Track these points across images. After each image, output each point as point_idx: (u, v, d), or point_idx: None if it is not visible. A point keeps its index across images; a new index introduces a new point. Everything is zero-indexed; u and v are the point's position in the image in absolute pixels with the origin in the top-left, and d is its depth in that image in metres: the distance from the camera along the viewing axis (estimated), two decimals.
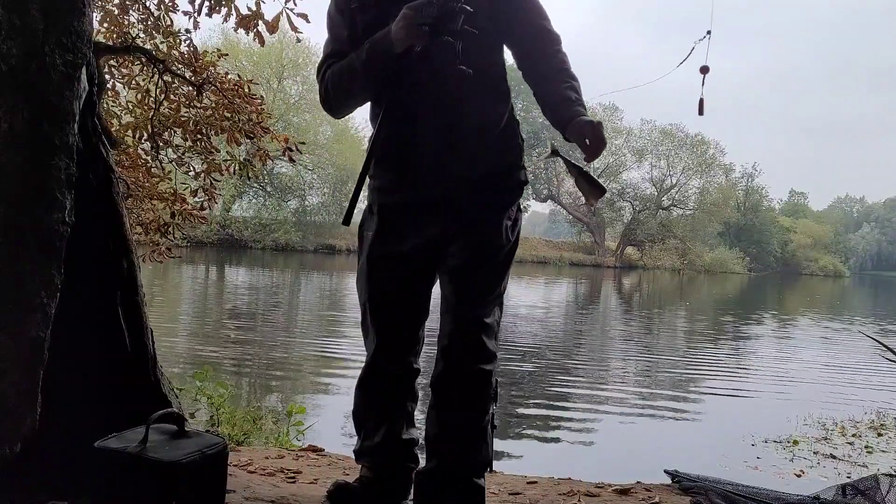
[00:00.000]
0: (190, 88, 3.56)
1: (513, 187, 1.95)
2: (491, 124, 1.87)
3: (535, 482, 2.52)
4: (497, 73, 1.90)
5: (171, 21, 3.52)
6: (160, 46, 3.53)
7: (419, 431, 2.05)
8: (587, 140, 1.73)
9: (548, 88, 1.86)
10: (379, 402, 2.03)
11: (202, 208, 3.96)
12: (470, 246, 1.88)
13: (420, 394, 2.09)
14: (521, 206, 2.01)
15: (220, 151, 3.84)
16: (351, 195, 1.80)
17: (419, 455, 2.05)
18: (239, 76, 3.73)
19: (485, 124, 1.85)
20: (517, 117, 2.00)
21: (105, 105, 3.47)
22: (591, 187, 1.81)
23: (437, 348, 1.96)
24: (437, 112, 1.81)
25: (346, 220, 1.83)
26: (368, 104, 1.97)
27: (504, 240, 1.92)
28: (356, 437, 2.09)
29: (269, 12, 3.17)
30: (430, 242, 1.90)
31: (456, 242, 1.88)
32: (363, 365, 2.04)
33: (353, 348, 8.14)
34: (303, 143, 4.08)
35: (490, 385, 1.93)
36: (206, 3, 3.22)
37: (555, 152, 1.89)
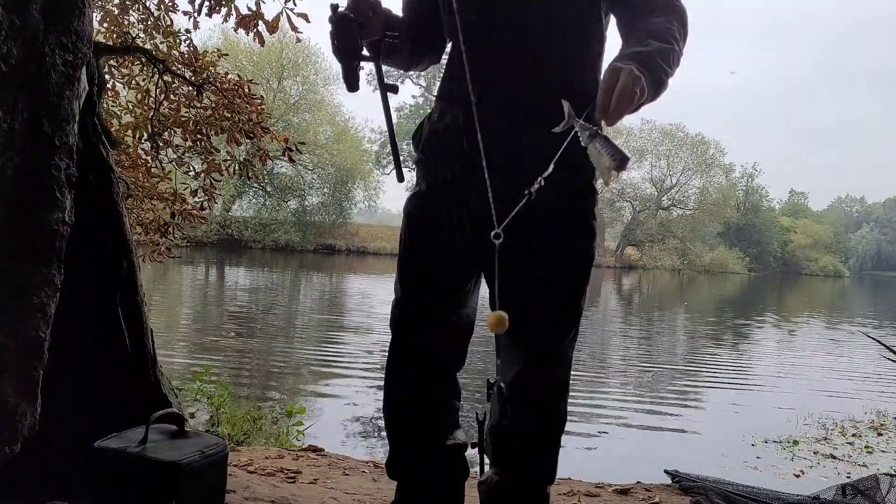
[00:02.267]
0: (190, 88, 3.56)
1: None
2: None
3: None
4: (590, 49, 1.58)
5: (171, 21, 3.52)
6: (160, 46, 3.53)
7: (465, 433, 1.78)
8: (604, 89, 1.24)
9: (626, 37, 1.48)
10: (413, 392, 1.70)
11: (202, 208, 3.96)
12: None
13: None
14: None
15: (220, 151, 3.84)
16: (392, 151, 1.64)
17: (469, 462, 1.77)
18: (239, 76, 3.73)
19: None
20: None
21: (105, 105, 3.47)
22: (603, 159, 1.25)
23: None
24: (501, 92, 1.52)
25: (400, 177, 1.64)
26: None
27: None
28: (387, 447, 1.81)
29: (269, 12, 3.17)
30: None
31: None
32: (389, 346, 1.75)
33: (353, 349, 8.14)
34: (303, 143, 4.08)
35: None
36: (206, 3, 3.22)
37: (571, 117, 1.35)
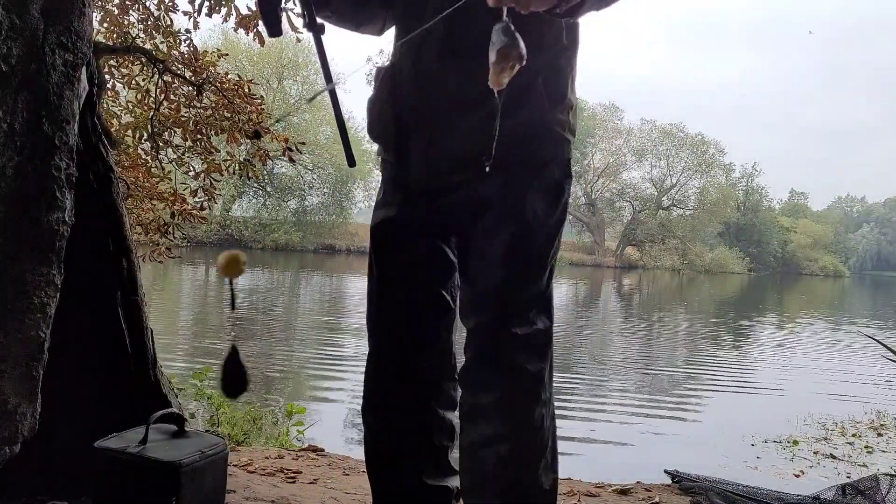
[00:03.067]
0: (190, 88, 3.56)
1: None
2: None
3: None
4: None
5: (171, 21, 3.52)
6: (160, 46, 3.53)
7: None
8: None
9: None
10: (390, 425, 1.53)
11: (202, 208, 3.96)
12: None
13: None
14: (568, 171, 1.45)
15: (220, 151, 3.84)
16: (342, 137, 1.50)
17: None
18: (239, 76, 3.73)
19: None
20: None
21: (105, 105, 3.47)
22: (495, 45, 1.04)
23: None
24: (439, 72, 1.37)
25: (351, 162, 1.50)
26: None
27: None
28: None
29: None
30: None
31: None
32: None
33: (353, 349, 8.14)
34: (303, 143, 4.08)
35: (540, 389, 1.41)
36: (206, 3, 3.22)
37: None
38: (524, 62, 1.03)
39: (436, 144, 1.37)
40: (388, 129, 1.45)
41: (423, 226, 1.46)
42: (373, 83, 1.52)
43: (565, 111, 1.40)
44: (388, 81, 1.44)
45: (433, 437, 1.50)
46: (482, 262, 1.40)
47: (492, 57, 1.03)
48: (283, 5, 1.41)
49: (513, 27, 1.04)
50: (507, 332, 1.35)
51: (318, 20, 1.40)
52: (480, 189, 1.37)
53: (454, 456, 1.50)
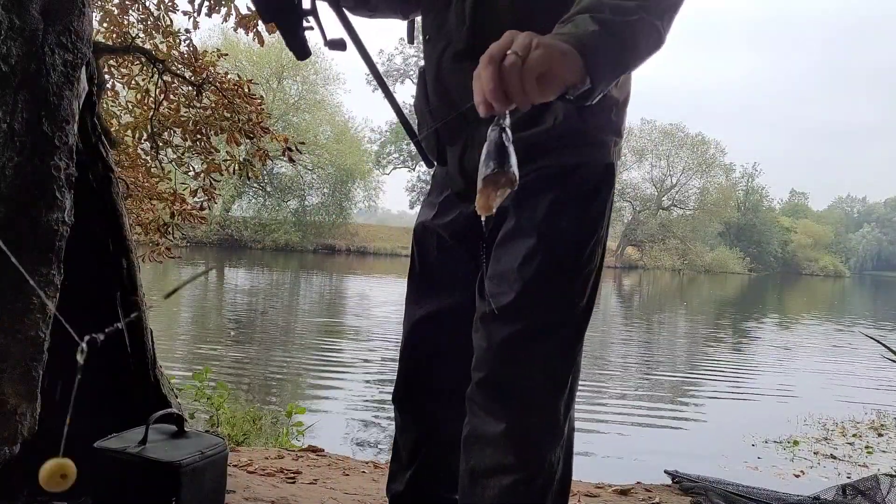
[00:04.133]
0: (190, 88, 3.56)
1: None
2: None
3: None
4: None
5: (171, 21, 3.52)
6: (160, 46, 3.53)
7: None
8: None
9: None
10: (408, 422, 1.51)
11: (202, 208, 3.96)
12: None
13: None
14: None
15: (219, 151, 3.84)
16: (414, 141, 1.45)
17: None
18: (239, 76, 3.73)
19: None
20: None
21: (105, 105, 3.47)
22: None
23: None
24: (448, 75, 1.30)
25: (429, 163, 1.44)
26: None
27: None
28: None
29: None
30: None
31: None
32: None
33: (353, 349, 8.14)
34: (303, 143, 4.08)
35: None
36: (206, 3, 3.22)
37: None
38: (516, 186, 0.89)
39: (470, 154, 1.28)
40: (428, 134, 1.39)
41: (456, 232, 1.41)
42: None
43: (605, 111, 1.24)
44: (420, 85, 1.41)
45: (448, 455, 1.39)
46: (496, 277, 1.26)
47: (479, 183, 0.88)
48: (304, 25, 1.31)
49: (505, 141, 0.88)
50: (521, 355, 1.21)
51: (338, 36, 1.35)
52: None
53: None
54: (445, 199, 1.44)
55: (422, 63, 1.43)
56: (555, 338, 1.23)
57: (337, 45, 1.34)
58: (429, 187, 1.55)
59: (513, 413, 1.21)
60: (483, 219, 0.91)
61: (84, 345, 0.74)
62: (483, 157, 0.88)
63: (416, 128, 1.45)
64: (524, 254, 1.22)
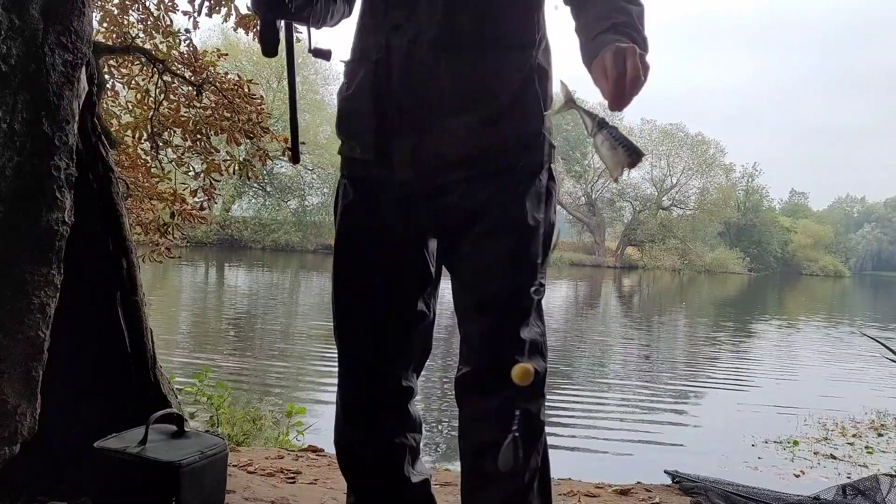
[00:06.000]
0: (190, 88, 3.56)
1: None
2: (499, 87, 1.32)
3: None
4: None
5: (171, 21, 3.52)
6: (160, 46, 3.53)
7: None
8: (607, 76, 1.13)
9: (582, 10, 1.31)
10: (373, 436, 1.51)
11: (202, 208, 3.96)
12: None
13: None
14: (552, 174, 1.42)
15: (219, 151, 3.84)
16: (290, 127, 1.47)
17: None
18: (239, 76, 3.73)
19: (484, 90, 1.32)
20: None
21: (105, 105, 3.47)
22: (615, 151, 1.14)
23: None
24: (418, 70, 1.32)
25: (295, 158, 1.47)
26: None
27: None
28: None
29: None
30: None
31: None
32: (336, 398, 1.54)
33: None
34: (303, 143, 4.07)
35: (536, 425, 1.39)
36: (206, 3, 3.22)
37: (570, 101, 1.25)
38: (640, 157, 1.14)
39: (426, 145, 1.33)
40: (366, 128, 1.39)
41: (399, 232, 1.42)
42: (343, 79, 1.46)
43: (550, 116, 1.38)
44: (369, 78, 1.37)
45: (412, 438, 1.52)
46: (482, 269, 1.36)
47: (623, 164, 1.13)
48: (280, 25, 1.34)
49: (614, 133, 1.15)
50: (512, 337, 1.32)
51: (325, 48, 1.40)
52: (474, 194, 1.34)
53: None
54: (379, 200, 1.42)
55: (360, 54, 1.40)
56: (534, 319, 1.36)
57: (322, 54, 1.40)
58: (343, 193, 1.50)
59: (509, 385, 1.27)
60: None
61: None
62: (620, 146, 1.13)
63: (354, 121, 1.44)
64: (512, 248, 1.33)
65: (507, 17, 1.33)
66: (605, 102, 1.15)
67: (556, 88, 1.38)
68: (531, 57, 1.35)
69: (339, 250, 1.48)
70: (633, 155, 1.13)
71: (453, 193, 1.36)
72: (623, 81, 1.11)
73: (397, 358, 1.48)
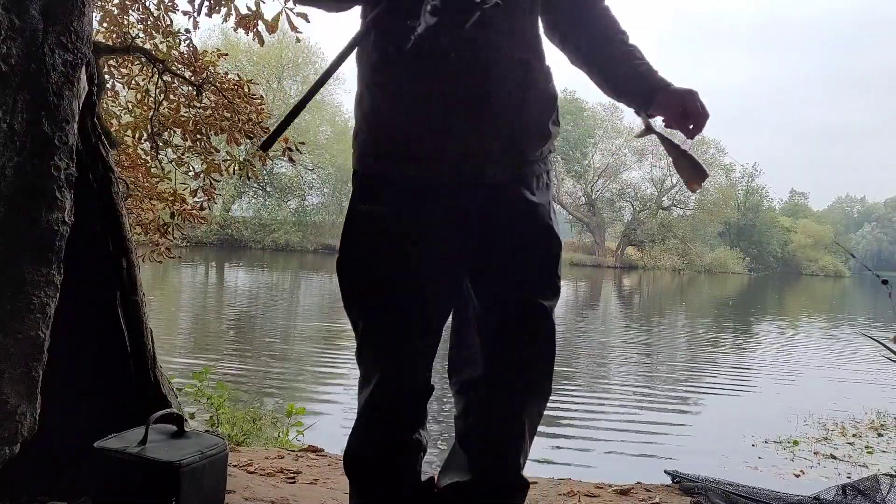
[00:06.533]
0: (190, 88, 3.56)
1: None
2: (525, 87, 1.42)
3: (536, 482, 2.52)
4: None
5: (171, 21, 3.52)
6: (160, 46, 3.53)
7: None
8: (687, 112, 1.43)
9: (609, 52, 1.49)
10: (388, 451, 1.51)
11: (202, 208, 3.96)
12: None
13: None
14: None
15: (219, 151, 3.84)
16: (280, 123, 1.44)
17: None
18: (239, 76, 3.73)
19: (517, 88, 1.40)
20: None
21: (105, 105, 3.47)
22: (693, 169, 1.51)
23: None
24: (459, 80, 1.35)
25: (266, 145, 1.45)
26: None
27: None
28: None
29: (268, 12, 3.18)
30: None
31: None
32: (359, 412, 1.51)
33: (352, 349, 8.13)
34: (303, 143, 4.07)
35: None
36: (206, 3, 3.22)
37: (649, 129, 1.52)
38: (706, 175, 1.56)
39: (470, 145, 1.37)
40: (412, 134, 1.38)
41: (444, 231, 1.42)
42: (373, 89, 1.41)
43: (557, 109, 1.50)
44: (410, 79, 1.36)
45: (424, 436, 1.54)
46: (514, 260, 1.45)
47: (697, 177, 1.54)
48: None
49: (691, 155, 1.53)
50: (539, 305, 1.48)
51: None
52: (506, 189, 1.42)
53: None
54: (414, 203, 1.41)
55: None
56: (552, 294, 1.56)
57: None
58: (361, 188, 1.47)
59: (537, 342, 1.52)
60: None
61: None
62: (695, 161, 1.54)
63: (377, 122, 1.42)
64: (544, 251, 1.49)
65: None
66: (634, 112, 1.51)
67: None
68: (539, 54, 1.50)
69: (382, 251, 1.44)
70: (700, 173, 1.53)
71: (485, 190, 1.43)
72: (701, 118, 1.45)
73: (430, 356, 1.50)
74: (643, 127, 1.53)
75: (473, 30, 1.29)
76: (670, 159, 1.52)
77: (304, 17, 3.12)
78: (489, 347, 1.49)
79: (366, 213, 1.46)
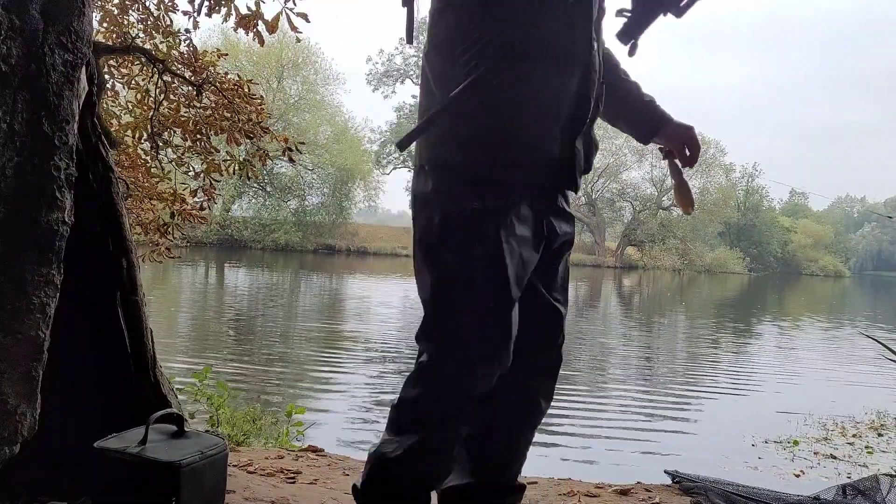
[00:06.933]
0: (190, 88, 3.56)
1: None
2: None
3: (536, 482, 2.52)
4: None
5: (171, 21, 3.51)
6: (160, 46, 3.53)
7: None
8: (685, 145, 1.63)
9: (617, 84, 1.63)
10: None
11: (202, 208, 3.96)
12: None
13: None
14: None
15: (219, 151, 3.83)
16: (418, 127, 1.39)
17: None
18: (239, 76, 3.73)
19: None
20: None
21: (105, 105, 3.47)
22: (689, 195, 1.72)
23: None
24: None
25: (403, 145, 1.41)
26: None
27: None
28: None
29: (268, 12, 3.17)
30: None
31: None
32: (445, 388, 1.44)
33: (352, 349, 8.14)
34: (303, 143, 4.07)
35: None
36: (206, 3, 3.21)
37: (669, 154, 1.69)
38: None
39: (583, 150, 1.52)
40: (550, 134, 1.45)
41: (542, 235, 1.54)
42: (500, 85, 1.37)
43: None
44: (563, 72, 1.42)
45: None
46: (563, 268, 1.66)
47: (691, 202, 1.75)
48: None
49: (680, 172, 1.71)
50: (563, 314, 1.62)
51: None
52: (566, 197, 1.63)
53: None
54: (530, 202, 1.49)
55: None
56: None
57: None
58: (509, 220, 1.43)
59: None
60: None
61: None
62: (689, 190, 1.72)
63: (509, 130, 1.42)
64: (566, 265, 1.66)
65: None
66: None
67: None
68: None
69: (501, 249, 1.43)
70: (691, 201, 1.74)
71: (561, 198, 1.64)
72: (697, 150, 1.65)
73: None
74: (662, 154, 1.72)
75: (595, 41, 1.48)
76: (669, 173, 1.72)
77: (304, 16, 3.12)
78: (529, 353, 1.51)
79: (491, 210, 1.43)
